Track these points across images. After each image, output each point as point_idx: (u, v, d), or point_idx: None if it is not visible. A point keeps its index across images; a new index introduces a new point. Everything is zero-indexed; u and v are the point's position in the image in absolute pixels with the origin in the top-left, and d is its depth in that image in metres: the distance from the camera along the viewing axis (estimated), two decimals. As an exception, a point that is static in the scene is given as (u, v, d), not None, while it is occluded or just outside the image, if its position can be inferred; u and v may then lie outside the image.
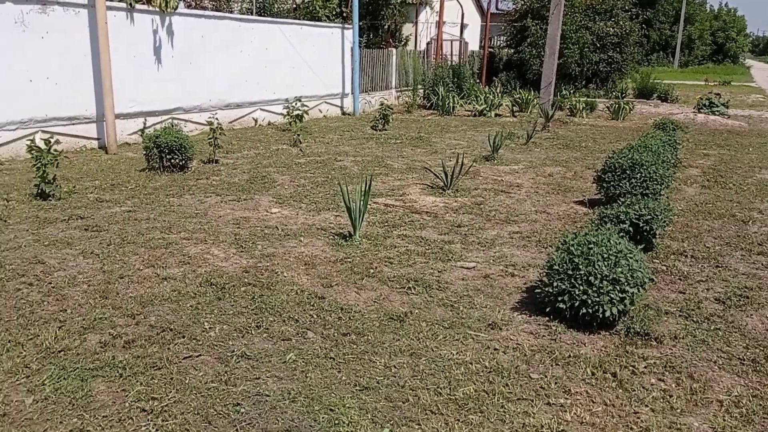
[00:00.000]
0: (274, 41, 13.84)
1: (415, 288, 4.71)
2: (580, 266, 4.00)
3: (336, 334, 3.93)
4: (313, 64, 15.02)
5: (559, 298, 4.05)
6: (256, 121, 13.72)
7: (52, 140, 6.92)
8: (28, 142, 6.84)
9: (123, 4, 10.42)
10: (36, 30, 9.15)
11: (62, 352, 3.59)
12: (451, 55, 22.42)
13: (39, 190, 6.87)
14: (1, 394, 3.17)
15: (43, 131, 9.20)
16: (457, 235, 6.06)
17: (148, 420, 3.01)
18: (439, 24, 20.53)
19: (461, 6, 22.63)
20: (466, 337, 3.96)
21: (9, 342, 3.68)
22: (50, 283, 4.56)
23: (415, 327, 4.07)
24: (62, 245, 5.38)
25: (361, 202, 5.75)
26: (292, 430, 2.96)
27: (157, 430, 2.94)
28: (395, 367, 3.56)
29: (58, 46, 9.44)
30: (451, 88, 17.94)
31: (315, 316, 4.18)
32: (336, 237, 5.86)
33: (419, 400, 3.23)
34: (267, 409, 3.13)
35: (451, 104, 16.94)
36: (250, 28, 13.27)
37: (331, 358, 3.64)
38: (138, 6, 10.65)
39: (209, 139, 9.17)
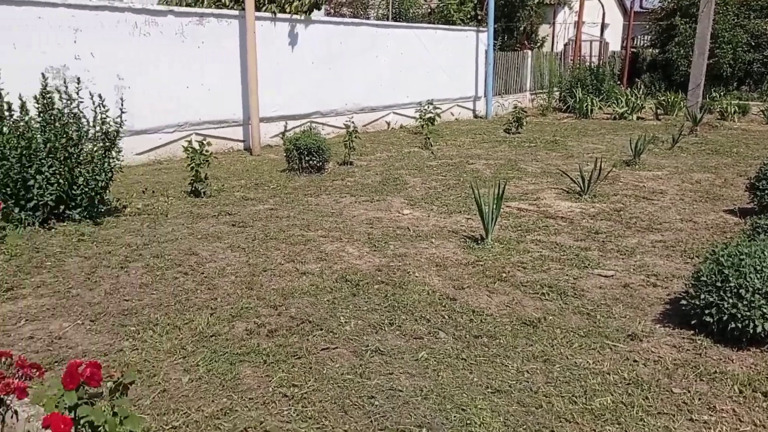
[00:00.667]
0: (408, 46, 14.07)
1: (549, 294, 4.61)
2: (731, 278, 3.74)
3: (467, 336, 3.94)
4: (446, 68, 15.10)
5: (706, 311, 3.81)
6: (388, 124, 14.01)
7: (205, 142, 7.48)
8: (185, 144, 7.44)
9: (268, 14, 11.03)
10: (193, 40, 9.93)
11: (213, 337, 3.88)
12: (590, 56, 21.66)
13: (193, 188, 7.44)
14: (162, 372, 3.48)
15: (197, 134, 9.94)
16: (595, 242, 5.86)
17: (289, 405, 3.19)
18: (578, 24, 19.90)
19: (602, 5, 21.78)
20: (604, 347, 3.83)
21: (168, 325, 4.03)
22: (203, 273, 4.94)
23: (549, 333, 4.00)
24: (213, 239, 5.80)
25: (494, 206, 5.71)
26: (424, 426, 3.01)
27: (297, 415, 3.10)
28: (528, 372, 3.52)
29: (212, 54, 10.17)
30: (589, 90, 17.33)
31: (446, 317, 4.22)
32: (467, 240, 5.87)
33: (553, 407, 3.17)
34: (400, 403, 3.20)
35: (588, 107, 16.36)
36: (386, 33, 13.57)
37: (462, 359, 3.66)
38: (280, 15, 11.23)
39: (345, 141, 9.49)
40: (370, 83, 13.23)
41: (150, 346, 3.77)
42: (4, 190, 5.71)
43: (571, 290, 4.69)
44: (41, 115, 5.97)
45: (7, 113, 5.88)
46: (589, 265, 5.24)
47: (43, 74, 6.24)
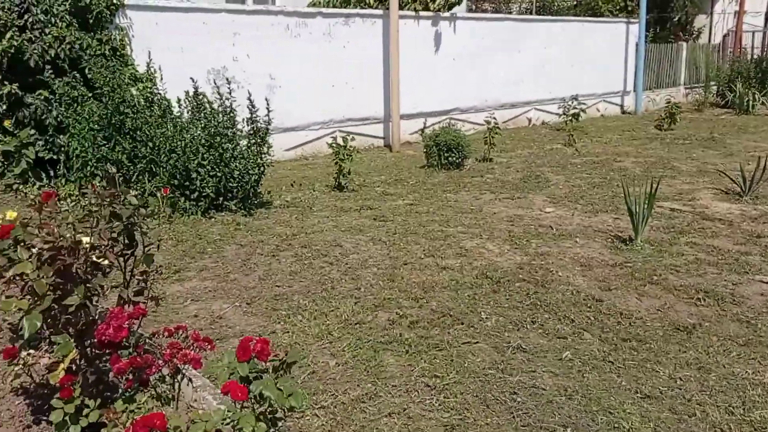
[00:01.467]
0: (552, 40, 13.69)
1: (705, 299, 4.33)
2: None
3: (615, 339, 3.80)
4: (592, 62, 14.52)
5: None
6: (529, 120, 13.72)
7: (349, 138, 7.75)
8: (329, 140, 7.75)
9: (411, 12, 11.19)
10: (339, 40, 10.30)
11: (358, 325, 4.03)
12: (752, 47, 19.89)
13: (337, 183, 7.74)
14: (310, 355, 3.67)
15: (340, 131, 10.31)
16: (756, 247, 5.41)
17: (431, 395, 3.24)
18: (739, 14, 18.36)
19: (768, -9, 19.93)
20: (765, 357, 3.54)
21: (316, 311, 4.24)
22: (347, 264, 5.13)
23: (705, 341, 3.76)
24: (356, 231, 6.00)
25: (645, 205, 5.44)
26: (569, 426, 2.95)
27: (439, 405, 3.15)
28: (681, 379, 3.33)
29: (356, 54, 10.49)
30: (750, 84, 15.94)
31: (592, 318, 4.09)
32: (614, 240, 5.63)
33: (707, 417, 2.99)
34: (543, 402, 3.16)
35: (750, 102, 15.07)
36: (529, 28, 13.29)
37: (609, 361, 3.53)
38: (423, 13, 11.35)
39: (484, 138, 9.43)
40: (511, 79, 13.02)
41: (299, 329, 3.99)
42: (172, 182, 6.26)
43: (729, 296, 4.37)
44: (202, 112, 6.48)
45: (174, 109, 6.46)
46: (749, 270, 4.86)
47: (208, 72, 6.74)
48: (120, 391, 2.45)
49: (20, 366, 2.62)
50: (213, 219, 6.27)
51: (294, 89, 9.77)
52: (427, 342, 3.78)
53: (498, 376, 3.40)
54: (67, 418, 2.29)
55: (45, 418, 2.82)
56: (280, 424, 2.37)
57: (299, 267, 5.05)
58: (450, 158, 8.87)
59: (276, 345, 3.74)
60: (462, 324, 4.01)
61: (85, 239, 2.51)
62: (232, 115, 6.53)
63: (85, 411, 2.29)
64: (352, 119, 10.68)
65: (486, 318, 4.10)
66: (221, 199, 6.41)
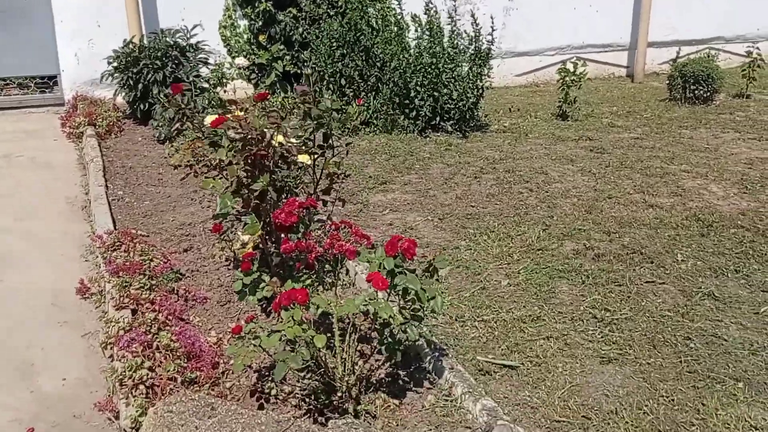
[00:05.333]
0: None
1: None
2: None
3: (835, 302, 3.30)
4: None
5: None
6: (813, 53, 11.64)
7: (579, 63, 7.37)
8: (560, 66, 7.45)
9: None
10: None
11: (540, 251, 4.00)
12: None
13: (560, 111, 7.47)
14: (486, 272, 3.76)
15: (577, 57, 9.75)
16: None
17: (596, 326, 3.17)
18: None
19: None
20: None
21: (503, 233, 4.29)
22: (547, 192, 5.04)
23: None
24: (566, 161, 5.81)
25: None
26: (741, 381, 2.70)
27: (602, 337, 3.08)
28: None
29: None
30: None
31: (814, 276, 3.57)
32: None
33: None
34: (719, 352, 2.92)
35: None
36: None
37: (818, 325, 3.10)
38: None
39: (743, 71, 8.29)
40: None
41: (482, 248, 4.08)
42: (394, 100, 6.59)
43: None
44: (426, 32, 6.64)
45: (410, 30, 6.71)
46: None
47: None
48: (294, 274, 2.79)
49: (227, 241, 3.10)
50: (428, 138, 6.50)
51: (530, 11, 9.42)
52: (607, 276, 3.64)
53: (676, 320, 3.19)
54: (246, 289, 2.70)
55: (245, 289, 3.33)
56: (420, 323, 2.53)
57: (497, 190, 5.09)
58: (696, 92, 7.99)
59: (455, 259, 3.90)
60: (651, 263, 3.78)
61: (278, 136, 2.85)
62: (457, 36, 6.59)
63: (261, 285, 2.68)
64: (592, 45, 10.05)
65: (682, 261, 3.80)
66: (438, 119, 6.61)
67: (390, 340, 2.47)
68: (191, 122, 2.96)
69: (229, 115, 2.84)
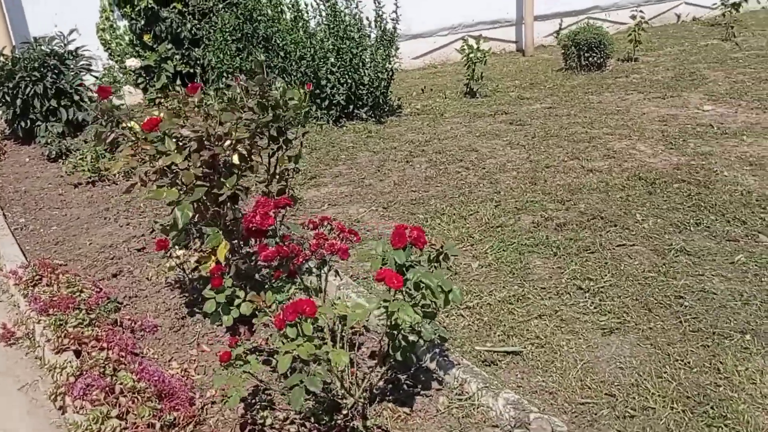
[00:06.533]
0: None
1: None
2: None
3: (798, 242, 3.35)
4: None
5: None
6: (678, 16, 12.38)
7: (480, 39, 7.32)
8: (458, 46, 7.36)
9: None
10: (467, -63, 9.63)
11: (499, 228, 3.83)
12: None
13: (468, 89, 7.39)
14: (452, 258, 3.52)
15: (469, 35, 9.77)
16: None
17: (585, 297, 3.02)
18: None
19: None
20: None
21: (454, 215, 4.08)
22: (484, 168, 4.89)
23: None
24: (491, 136, 5.71)
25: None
26: (748, 333, 2.63)
27: (595, 308, 2.93)
28: None
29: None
30: None
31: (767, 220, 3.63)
32: (789, 137, 4.97)
33: None
34: (715, 306, 2.84)
35: None
36: None
37: (792, 266, 3.12)
38: None
39: (628, 36, 8.61)
40: (657, -30, 11.73)
41: (438, 233, 3.85)
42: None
43: None
44: (328, 18, 6.31)
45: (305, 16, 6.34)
46: None
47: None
48: (267, 285, 2.43)
49: (174, 258, 2.67)
50: (344, 127, 6.19)
51: (419, -7, 9.33)
52: (576, 245, 3.52)
53: (660, 279, 3.10)
54: (219, 309, 2.31)
55: (198, 310, 2.90)
56: (433, 319, 2.26)
57: (434, 172, 4.88)
58: (590, 59, 8.19)
59: (416, 247, 3.64)
60: (615, 226, 3.70)
61: (236, 133, 2.46)
62: (358, 19, 6.31)
63: (237, 302, 2.29)
64: (483, 22, 10.10)
65: (642, 220, 3.75)
66: (351, 107, 6.31)
67: (404, 344, 2.18)
68: (128, 128, 2.49)
69: (173, 112, 2.41)
